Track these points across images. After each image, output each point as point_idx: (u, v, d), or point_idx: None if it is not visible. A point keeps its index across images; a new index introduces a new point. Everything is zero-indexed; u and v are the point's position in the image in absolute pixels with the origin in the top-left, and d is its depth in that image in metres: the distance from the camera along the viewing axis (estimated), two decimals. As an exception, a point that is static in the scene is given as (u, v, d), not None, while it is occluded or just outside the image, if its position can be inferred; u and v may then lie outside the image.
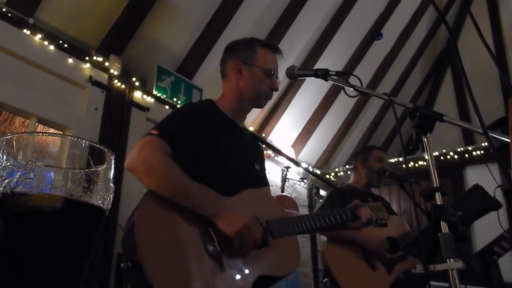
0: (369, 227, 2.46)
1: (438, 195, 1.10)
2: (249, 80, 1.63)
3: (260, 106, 1.70)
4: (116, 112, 3.63)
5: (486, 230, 2.39)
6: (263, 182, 1.72)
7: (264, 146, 1.95)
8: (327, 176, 6.44)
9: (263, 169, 1.74)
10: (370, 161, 2.77)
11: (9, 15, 3.03)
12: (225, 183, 1.46)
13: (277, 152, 2.06)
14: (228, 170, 1.51)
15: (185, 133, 1.46)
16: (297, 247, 1.58)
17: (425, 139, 1.15)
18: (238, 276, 1.32)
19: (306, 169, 2.47)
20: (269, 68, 1.64)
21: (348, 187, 2.81)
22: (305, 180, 5.80)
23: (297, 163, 2.17)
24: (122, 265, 1.23)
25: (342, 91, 1.45)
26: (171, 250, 1.23)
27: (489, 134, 0.88)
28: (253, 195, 1.55)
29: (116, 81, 3.65)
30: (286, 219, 1.52)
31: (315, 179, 6.07)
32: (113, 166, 0.57)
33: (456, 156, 5.74)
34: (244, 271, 1.34)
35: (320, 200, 6.02)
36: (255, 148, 1.78)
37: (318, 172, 6.28)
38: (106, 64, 3.59)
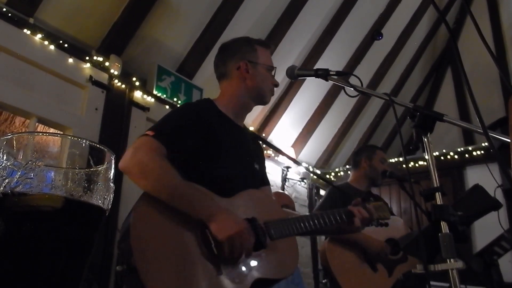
0: (370, 229, 2.46)
1: (438, 195, 1.10)
2: (256, 78, 1.65)
3: (266, 102, 1.73)
4: (116, 112, 3.63)
5: (486, 230, 2.39)
6: (263, 182, 1.70)
7: (264, 145, 1.95)
8: (327, 176, 6.44)
9: (263, 168, 1.73)
10: (374, 160, 2.74)
11: (9, 15, 3.03)
12: (224, 183, 1.46)
13: (277, 151, 2.06)
14: (228, 170, 1.50)
15: (182, 133, 1.45)
16: (295, 249, 1.56)
17: (425, 139, 1.15)
18: (235, 279, 1.30)
19: (306, 168, 2.46)
20: (270, 64, 1.70)
21: (346, 186, 2.77)
22: (305, 180, 5.80)
23: (297, 162, 2.17)
24: (117, 267, 1.22)
25: (343, 91, 1.45)
26: (167, 253, 1.22)
27: (489, 134, 0.88)
28: (253, 195, 1.54)
29: (116, 81, 3.65)
30: (284, 220, 1.51)
31: (315, 179, 6.07)
32: (113, 166, 0.57)
33: (456, 156, 5.74)
34: (241, 274, 1.32)
35: (320, 200, 6.02)
36: (255, 147, 1.77)
37: (318, 172, 6.28)
38: (106, 64, 3.59)
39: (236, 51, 1.70)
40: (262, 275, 1.37)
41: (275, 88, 1.73)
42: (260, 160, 1.74)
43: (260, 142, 1.90)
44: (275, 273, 1.42)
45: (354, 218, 1.70)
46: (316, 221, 1.59)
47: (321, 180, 6.32)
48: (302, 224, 1.54)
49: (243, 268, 1.34)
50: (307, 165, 6.03)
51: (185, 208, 1.30)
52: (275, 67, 1.71)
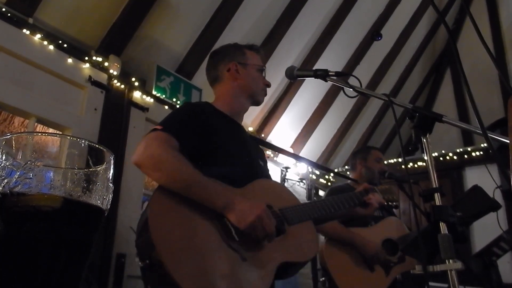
0: (368, 229, 2.47)
1: (437, 196, 1.10)
2: (247, 77, 1.68)
3: (259, 101, 1.75)
4: (116, 112, 3.63)
5: (485, 231, 2.39)
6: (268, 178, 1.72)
7: (264, 146, 1.95)
8: (326, 177, 6.44)
9: (266, 166, 1.75)
10: (369, 161, 2.75)
11: (9, 15, 3.03)
12: (232, 179, 1.46)
13: (277, 150, 2.06)
14: (235, 166, 1.51)
15: (189, 129, 1.46)
16: (314, 232, 1.59)
17: (425, 140, 1.15)
18: (259, 265, 1.31)
19: (310, 162, 2.46)
20: (261, 65, 1.74)
21: (347, 187, 2.79)
22: (304, 181, 5.80)
23: (299, 157, 2.17)
24: (140, 264, 1.20)
25: (342, 91, 1.45)
26: (189, 243, 1.22)
27: (489, 135, 0.88)
28: (265, 184, 1.56)
29: (115, 81, 3.65)
30: (299, 206, 1.54)
31: (314, 179, 6.07)
32: (112, 166, 0.57)
33: (455, 157, 5.74)
34: (265, 260, 1.33)
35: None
36: (256, 146, 1.79)
37: (318, 173, 6.28)
38: (106, 64, 3.59)
39: (226, 55, 1.74)
40: (286, 259, 1.39)
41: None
42: (263, 158, 1.76)
43: (259, 144, 1.90)
44: (298, 256, 1.44)
45: (371, 201, 1.77)
46: (330, 205, 1.65)
47: (320, 180, 6.32)
48: (317, 209, 1.59)
49: (267, 254, 1.35)
50: (306, 166, 6.03)
51: (201, 197, 1.30)
52: (265, 67, 1.76)
